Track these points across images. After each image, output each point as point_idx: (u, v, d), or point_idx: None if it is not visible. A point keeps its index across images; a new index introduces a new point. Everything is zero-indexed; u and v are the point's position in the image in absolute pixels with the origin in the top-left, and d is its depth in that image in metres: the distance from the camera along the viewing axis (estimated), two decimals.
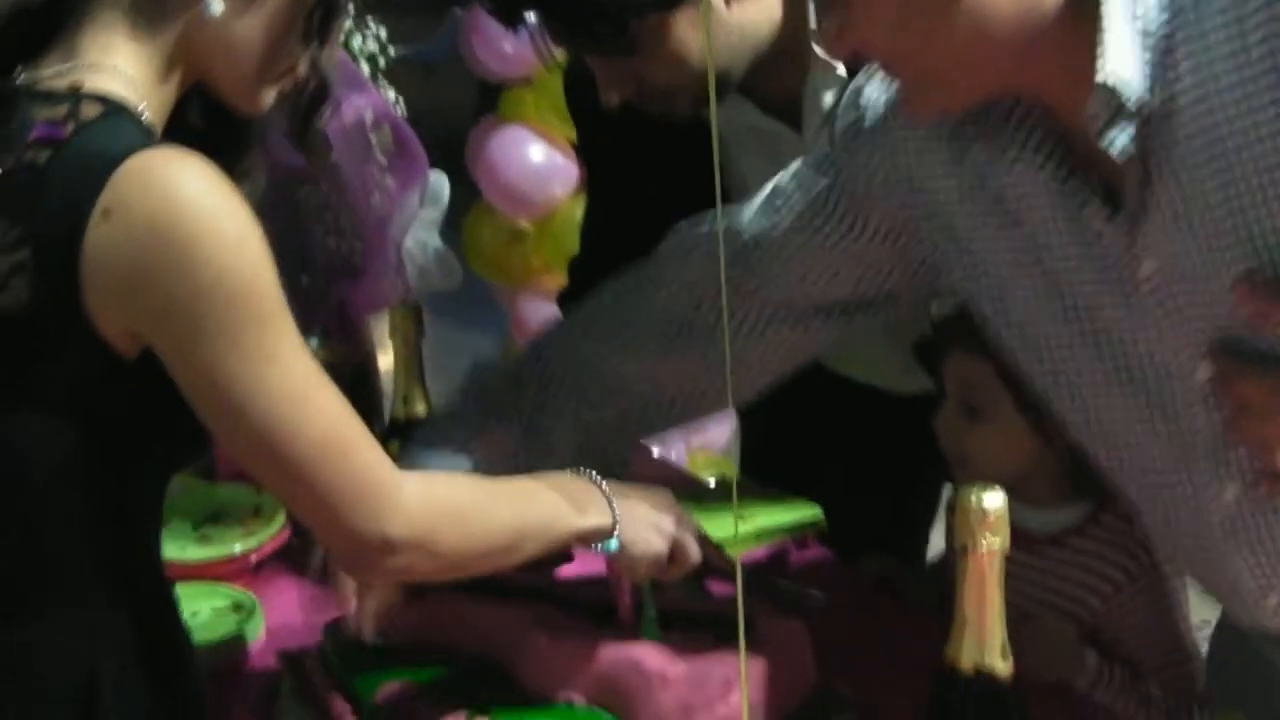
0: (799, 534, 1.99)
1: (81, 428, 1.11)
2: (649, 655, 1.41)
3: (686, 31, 1.61)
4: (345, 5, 1.26)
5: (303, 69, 1.26)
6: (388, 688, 1.48)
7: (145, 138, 1.12)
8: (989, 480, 1.11)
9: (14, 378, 1.09)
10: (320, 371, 1.13)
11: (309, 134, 1.32)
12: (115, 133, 1.10)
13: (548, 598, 1.57)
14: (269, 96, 1.25)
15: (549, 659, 1.46)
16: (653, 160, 1.74)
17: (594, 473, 1.37)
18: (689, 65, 1.63)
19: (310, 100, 1.29)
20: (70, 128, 1.09)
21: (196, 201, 1.05)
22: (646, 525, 1.38)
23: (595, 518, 1.33)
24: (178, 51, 1.17)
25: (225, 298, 1.05)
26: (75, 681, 1.14)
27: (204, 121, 1.27)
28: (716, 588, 1.61)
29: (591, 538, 1.34)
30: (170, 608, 1.25)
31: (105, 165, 1.05)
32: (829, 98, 1.76)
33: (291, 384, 1.09)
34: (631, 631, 1.47)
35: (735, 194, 1.68)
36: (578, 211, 2.67)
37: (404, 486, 1.16)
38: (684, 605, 1.54)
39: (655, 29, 1.61)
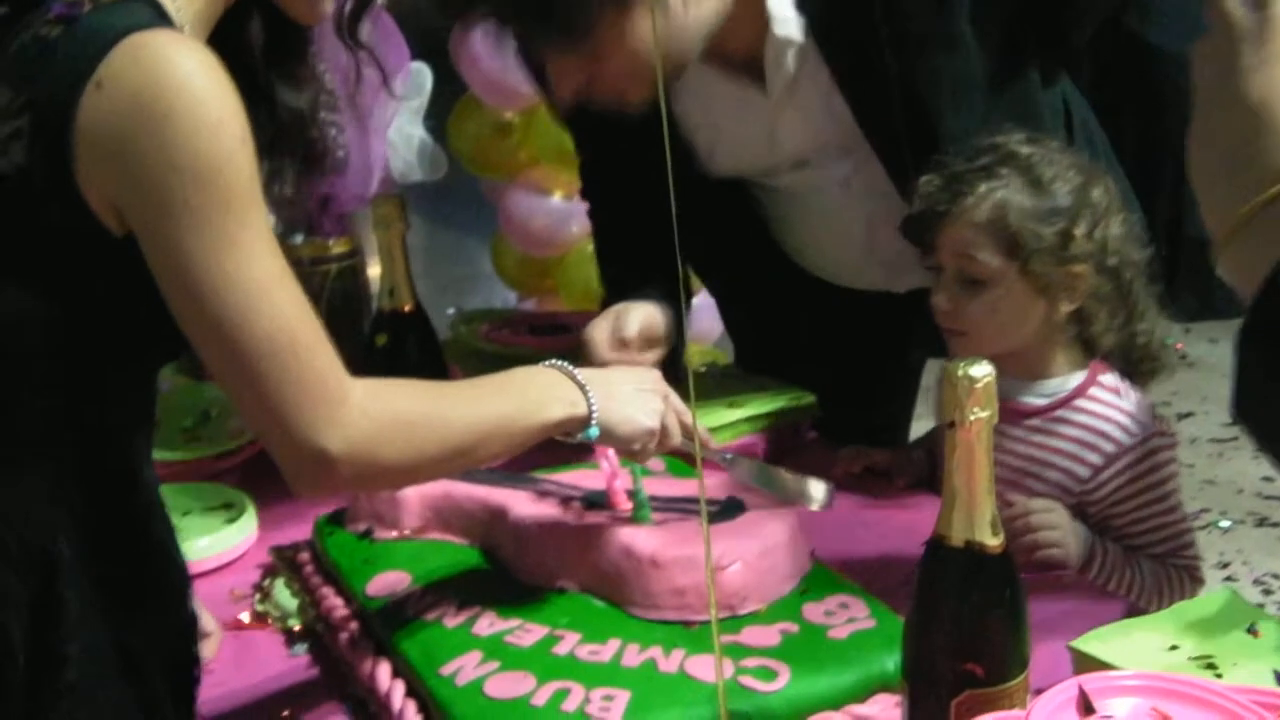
0: (791, 419, 2.00)
1: (63, 301, 1.10)
2: (640, 540, 1.40)
3: (645, 29, 1.59)
4: None
5: None
6: (379, 580, 1.48)
7: (156, 20, 1.11)
8: (994, 355, 1.10)
9: (3, 243, 1.09)
10: (287, 272, 1.12)
11: (358, 33, 1.36)
12: (126, 13, 1.10)
13: (539, 487, 1.57)
14: (328, 4, 1.28)
15: (541, 548, 1.46)
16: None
17: (565, 363, 1.35)
18: (645, 61, 1.61)
19: (356, 4, 1.33)
20: (87, 8, 1.09)
21: (182, 81, 1.06)
22: (631, 405, 1.37)
23: (563, 409, 1.31)
24: None
25: (195, 177, 1.06)
26: (35, 554, 1.13)
27: (262, 33, 1.29)
28: (711, 474, 1.60)
29: (566, 428, 1.33)
30: (150, 503, 1.25)
31: (108, 40, 1.06)
32: (791, 56, 1.78)
33: (250, 275, 1.09)
34: (623, 518, 1.47)
35: (704, 159, 1.79)
36: None
37: (349, 398, 1.14)
38: (674, 491, 1.54)
39: (613, 28, 1.59)
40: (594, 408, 1.33)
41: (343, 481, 1.16)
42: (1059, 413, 1.63)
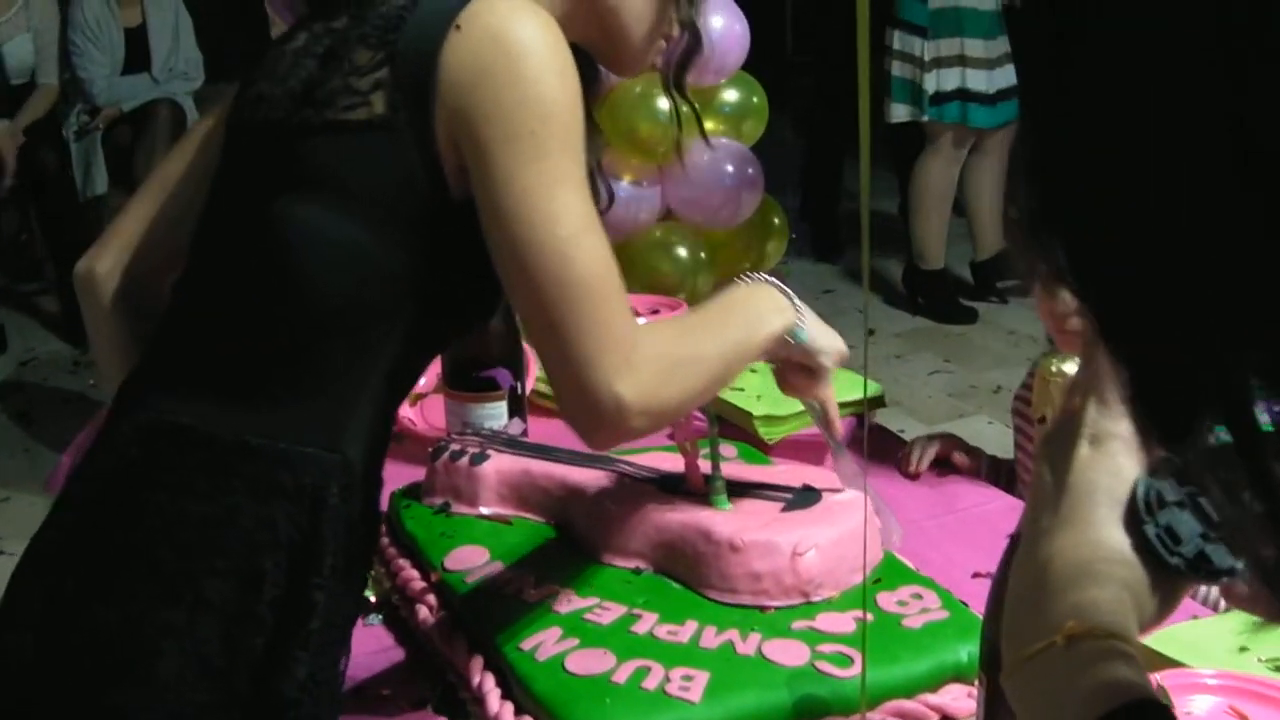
0: (862, 410, 2.01)
1: (401, 251, 1.18)
2: (718, 523, 1.42)
3: None
4: None
5: (675, 30, 1.35)
6: (457, 554, 1.50)
7: None
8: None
9: (352, 187, 1.17)
10: (599, 222, 1.18)
11: (684, 84, 1.43)
12: None
13: (616, 468, 1.58)
14: (650, 59, 1.36)
15: (619, 528, 1.48)
16: None
17: (764, 275, 1.40)
18: None
19: (684, 56, 1.39)
20: None
21: (534, 30, 1.15)
22: (825, 326, 1.43)
23: (781, 319, 1.36)
24: (565, 19, 1.22)
25: (541, 114, 1.14)
26: (309, 497, 1.18)
27: None
28: (785, 463, 1.61)
29: (781, 336, 1.37)
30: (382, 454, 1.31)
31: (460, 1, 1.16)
32: None
33: (574, 216, 1.15)
34: (700, 500, 1.48)
35: None
36: None
37: (639, 345, 1.19)
38: (752, 477, 1.55)
39: None
40: (801, 313, 1.38)
41: (635, 428, 1.20)
42: None
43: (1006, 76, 4.91)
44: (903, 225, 5.45)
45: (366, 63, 1.17)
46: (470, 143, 1.15)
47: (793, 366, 1.45)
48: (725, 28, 3.45)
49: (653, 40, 1.33)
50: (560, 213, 1.14)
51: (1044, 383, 1.06)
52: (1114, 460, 0.84)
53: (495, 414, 1.89)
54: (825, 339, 1.42)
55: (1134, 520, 0.83)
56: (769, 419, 1.92)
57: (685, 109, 1.58)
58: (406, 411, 1.99)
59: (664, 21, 1.32)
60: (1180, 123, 0.48)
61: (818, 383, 1.46)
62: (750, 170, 3.61)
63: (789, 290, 1.38)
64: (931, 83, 4.93)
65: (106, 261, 1.36)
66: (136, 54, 5.17)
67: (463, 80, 1.14)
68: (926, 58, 4.92)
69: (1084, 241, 0.54)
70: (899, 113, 5.06)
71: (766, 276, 1.39)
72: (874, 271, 5.64)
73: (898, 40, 4.98)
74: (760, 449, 1.84)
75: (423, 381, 1.87)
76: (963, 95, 4.94)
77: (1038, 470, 0.85)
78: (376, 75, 1.16)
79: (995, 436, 3.49)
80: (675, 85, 1.42)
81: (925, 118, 5.01)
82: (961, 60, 4.91)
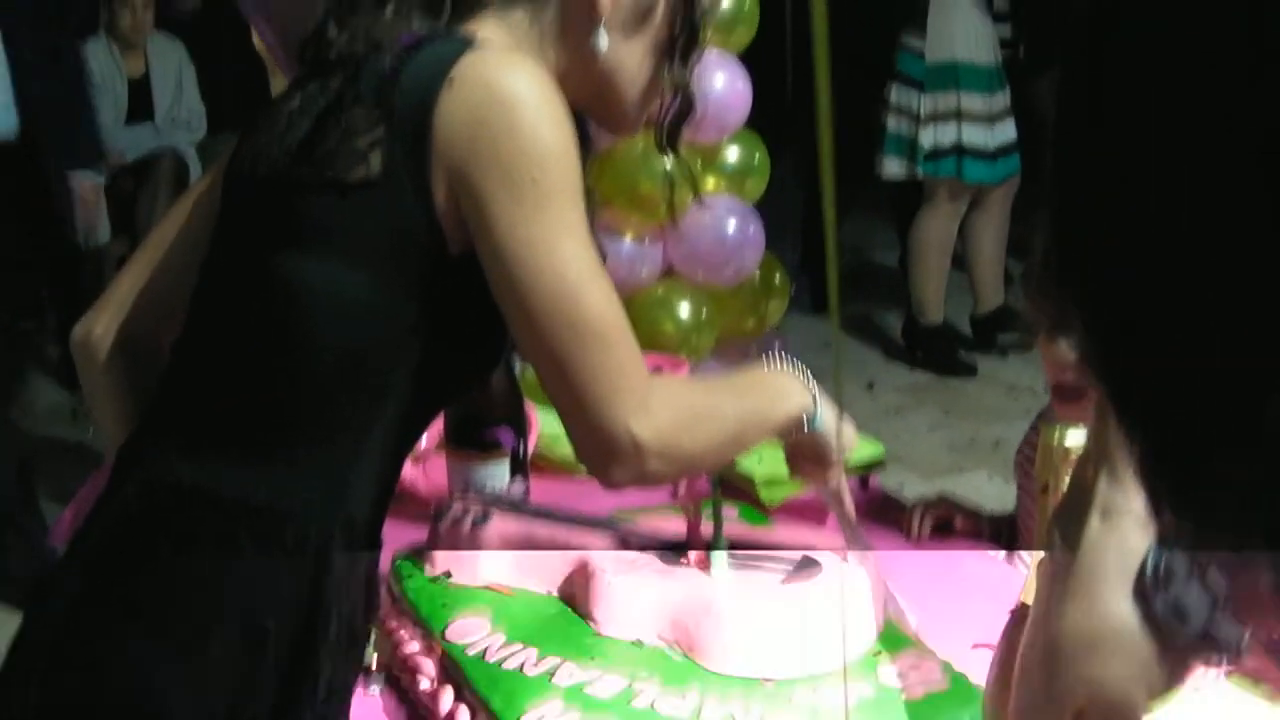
0: (862, 472, 2.01)
1: (403, 304, 1.18)
2: (719, 595, 1.42)
3: None
4: (704, 32, 1.34)
5: (668, 92, 1.35)
6: (458, 623, 1.49)
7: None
8: None
9: (351, 243, 1.18)
10: (603, 268, 1.19)
11: (677, 145, 1.43)
12: (466, 36, 1.21)
13: (618, 534, 1.58)
14: (643, 119, 1.36)
15: (620, 600, 1.47)
16: None
17: (782, 350, 1.42)
18: None
19: (677, 117, 1.39)
20: (430, 36, 1.21)
21: (527, 80, 1.16)
22: (835, 413, 1.43)
23: (800, 401, 1.37)
24: (560, 78, 1.24)
25: (541, 162, 1.14)
26: (310, 550, 1.18)
27: None
28: (789, 529, 1.62)
29: (796, 422, 1.38)
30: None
31: (454, 51, 1.17)
32: None
33: (581, 263, 1.16)
34: (701, 569, 1.48)
35: None
36: None
37: (652, 389, 1.20)
38: (754, 542, 1.55)
39: None
40: (818, 404, 1.39)
41: (651, 470, 1.20)
42: None
43: (1007, 132, 4.92)
44: (902, 278, 5.46)
45: (363, 122, 1.17)
46: (470, 195, 1.15)
47: (804, 452, 1.45)
48: (727, 86, 3.47)
49: (648, 101, 1.34)
50: (566, 259, 1.15)
51: (1048, 450, 1.07)
52: (1124, 534, 0.84)
53: (498, 473, 1.89)
54: (839, 429, 1.42)
55: (1143, 594, 0.83)
56: (770, 482, 1.92)
57: (684, 165, 1.60)
58: (409, 470, 1.98)
59: (659, 82, 1.33)
60: (1209, 213, 0.48)
61: (827, 470, 1.46)
62: (752, 228, 3.62)
63: (810, 380, 1.39)
64: (928, 138, 4.93)
65: (102, 325, 1.37)
66: (140, 104, 5.19)
67: (459, 134, 1.15)
68: (923, 112, 4.92)
69: (1101, 325, 0.54)
70: (891, 168, 5.07)
71: (791, 364, 1.39)
72: (873, 325, 5.65)
73: (895, 94, 4.99)
74: (761, 511, 1.84)
75: (424, 442, 1.87)
76: (958, 150, 4.95)
77: (1049, 543, 0.86)
78: (373, 134, 1.16)
79: (995, 492, 3.49)
80: (670, 145, 1.42)
81: (920, 174, 5.02)
82: (958, 115, 4.91)
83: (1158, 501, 0.56)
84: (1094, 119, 0.52)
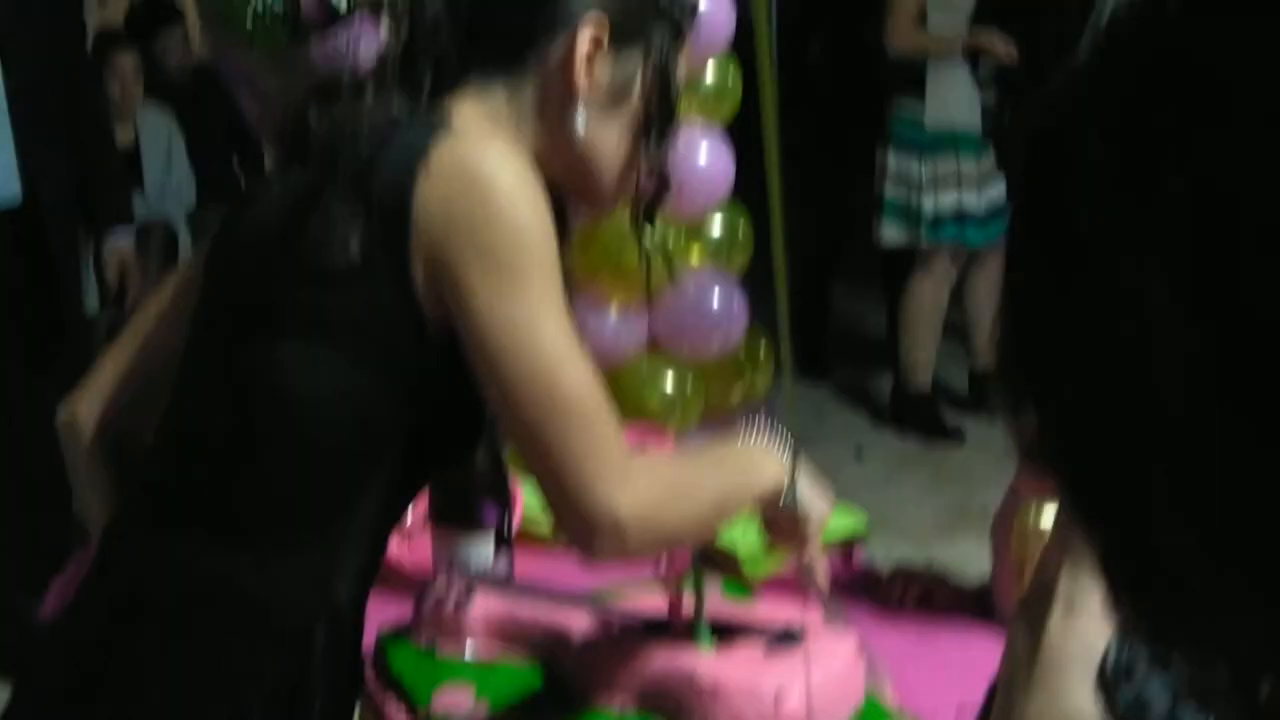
0: (844, 544, 2.01)
1: (384, 389, 1.20)
2: (701, 667, 1.42)
3: None
4: (678, 113, 1.36)
5: (644, 173, 1.38)
6: (443, 696, 1.50)
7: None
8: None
9: (331, 330, 1.20)
10: (581, 346, 1.21)
11: (654, 220, 1.45)
12: (441, 120, 1.23)
13: (601, 610, 1.59)
14: (621, 196, 1.39)
15: (603, 670, 1.48)
16: None
17: (761, 426, 1.43)
18: None
19: (654, 196, 1.42)
20: (405, 123, 1.23)
21: (501, 163, 1.19)
22: (812, 482, 1.45)
23: (773, 473, 1.39)
24: (538, 157, 1.27)
25: (517, 245, 1.17)
26: (295, 636, 1.20)
27: None
28: (770, 601, 1.62)
29: (773, 495, 1.40)
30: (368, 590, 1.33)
31: (430, 139, 1.20)
32: None
33: (560, 343, 1.18)
34: (684, 640, 1.49)
35: None
36: None
37: (632, 465, 1.22)
38: (735, 616, 1.56)
39: None
40: (795, 477, 1.40)
41: (631, 545, 1.23)
42: None
43: (998, 189, 4.87)
44: (891, 343, 5.45)
45: (341, 212, 1.19)
46: (449, 280, 1.17)
47: (780, 525, 1.47)
48: (710, 158, 3.47)
49: (626, 178, 1.36)
50: (545, 338, 1.17)
51: (1022, 535, 1.08)
52: (1087, 629, 0.86)
53: (482, 549, 1.89)
54: (815, 502, 1.44)
55: (1105, 689, 0.84)
56: (754, 557, 1.92)
57: (660, 246, 1.62)
58: (394, 545, 1.98)
59: (636, 160, 1.35)
60: (1149, 324, 0.48)
61: (803, 540, 1.48)
62: (736, 301, 3.62)
63: (789, 450, 1.41)
64: (930, 205, 4.90)
65: (87, 407, 1.38)
66: (128, 173, 5.20)
67: (436, 220, 1.17)
68: (924, 179, 4.89)
69: (1049, 420, 0.55)
70: (891, 236, 5.03)
71: (769, 437, 1.41)
72: (862, 392, 5.66)
73: (892, 161, 4.95)
74: (744, 584, 1.85)
75: (409, 518, 1.88)
76: (959, 216, 4.93)
77: (1012, 635, 0.87)
78: (352, 224, 1.19)
79: (985, 559, 3.48)
80: (647, 222, 1.44)
81: (923, 243, 4.99)
82: (958, 180, 4.89)
83: (1116, 595, 0.57)
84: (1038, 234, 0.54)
